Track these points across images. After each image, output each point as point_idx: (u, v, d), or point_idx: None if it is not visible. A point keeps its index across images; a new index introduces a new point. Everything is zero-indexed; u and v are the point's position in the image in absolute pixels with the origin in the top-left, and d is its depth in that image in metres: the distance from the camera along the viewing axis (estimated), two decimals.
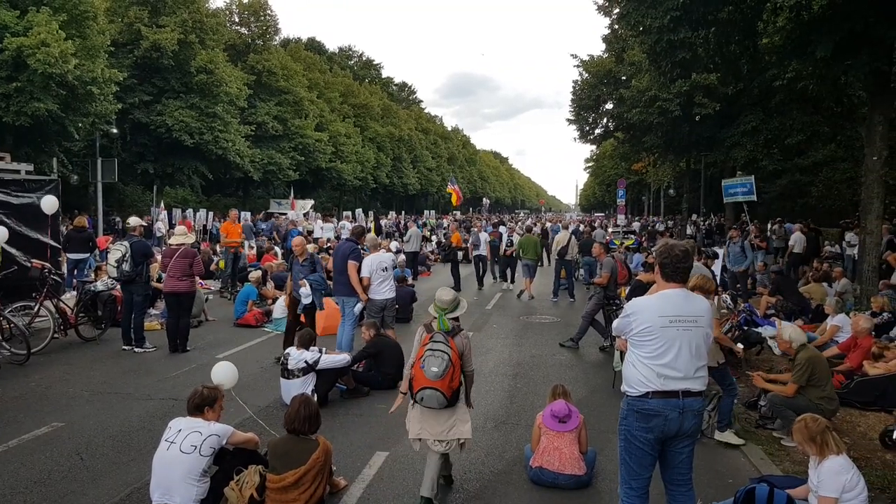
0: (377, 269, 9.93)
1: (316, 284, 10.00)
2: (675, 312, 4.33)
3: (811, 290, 14.65)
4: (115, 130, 32.48)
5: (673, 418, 4.28)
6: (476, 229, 23.80)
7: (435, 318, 5.50)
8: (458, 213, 64.77)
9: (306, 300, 10.00)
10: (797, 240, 20.49)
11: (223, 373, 6.26)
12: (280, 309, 12.93)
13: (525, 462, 6.16)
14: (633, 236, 33.04)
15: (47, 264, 11.28)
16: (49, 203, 11.54)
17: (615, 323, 4.63)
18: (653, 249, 21.87)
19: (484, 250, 19.95)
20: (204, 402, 5.16)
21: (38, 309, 10.74)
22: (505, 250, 19.97)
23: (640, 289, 11.84)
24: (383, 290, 10.03)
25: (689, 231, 32.16)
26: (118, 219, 33.37)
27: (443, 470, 5.73)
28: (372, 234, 13.66)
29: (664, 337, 4.27)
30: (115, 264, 10.68)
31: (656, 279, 4.60)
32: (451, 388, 5.28)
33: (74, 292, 12.65)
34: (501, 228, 21.95)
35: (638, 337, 4.33)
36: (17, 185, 11.79)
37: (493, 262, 21.32)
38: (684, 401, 4.29)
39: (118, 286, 11.36)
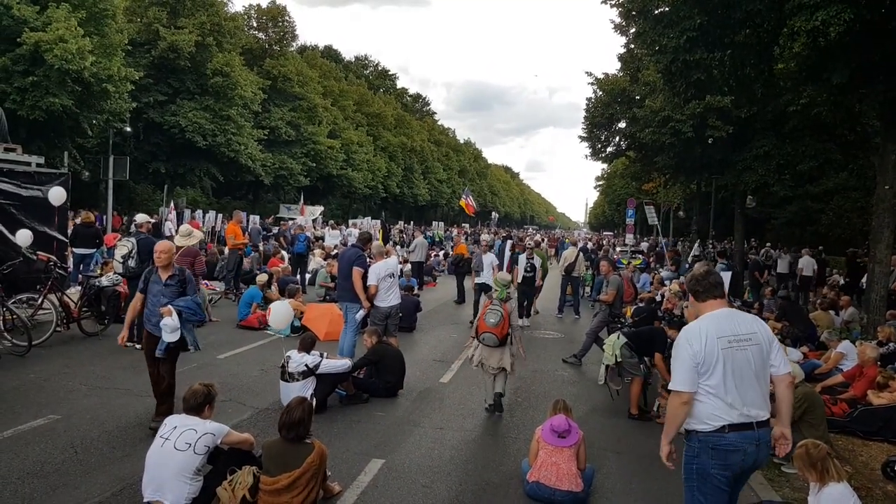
0: (384, 275, 9.85)
1: (188, 313, 6.95)
2: (731, 332, 4.11)
3: (818, 318, 14.53)
4: (128, 129, 32.63)
5: (751, 452, 4.04)
6: (480, 248, 16.44)
7: (496, 290, 8.38)
8: (467, 225, 64.76)
9: (169, 337, 6.83)
10: (805, 263, 21.20)
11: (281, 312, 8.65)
12: None
13: (522, 476, 6.10)
14: (640, 256, 32.94)
15: (53, 257, 11.29)
16: (56, 194, 11.55)
17: (675, 374, 4.18)
18: (660, 269, 21.78)
19: (489, 277, 14.62)
20: (204, 402, 5.14)
21: (42, 301, 10.74)
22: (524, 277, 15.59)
23: (648, 310, 11.85)
24: (389, 298, 9.89)
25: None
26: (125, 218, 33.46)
27: (496, 388, 8.37)
28: (378, 242, 13.63)
29: (727, 361, 4.03)
30: (122, 260, 10.70)
31: (694, 308, 4.43)
32: (502, 333, 8.07)
33: (79, 287, 12.66)
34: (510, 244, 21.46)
35: (704, 369, 4.05)
36: (27, 177, 11.82)
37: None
38: (759, 432, 4.05)
39: (122, 282, 11.36)
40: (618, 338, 8.68)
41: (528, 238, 34.92)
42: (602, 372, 8.69)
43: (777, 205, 34.67)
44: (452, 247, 23.33)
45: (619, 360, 8.52)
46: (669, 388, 4.24)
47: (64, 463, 6.01)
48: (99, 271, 14.27)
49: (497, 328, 8.01)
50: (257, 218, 35.18)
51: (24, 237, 10.73)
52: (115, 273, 11.60)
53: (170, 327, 6.82)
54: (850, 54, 12.38)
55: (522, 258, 15.56)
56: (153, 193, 42.07)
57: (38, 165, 12.62)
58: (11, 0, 25.01)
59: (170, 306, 6.83)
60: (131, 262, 10.59)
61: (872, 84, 12.85)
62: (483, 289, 14.57)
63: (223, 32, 40.81)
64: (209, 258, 18.30)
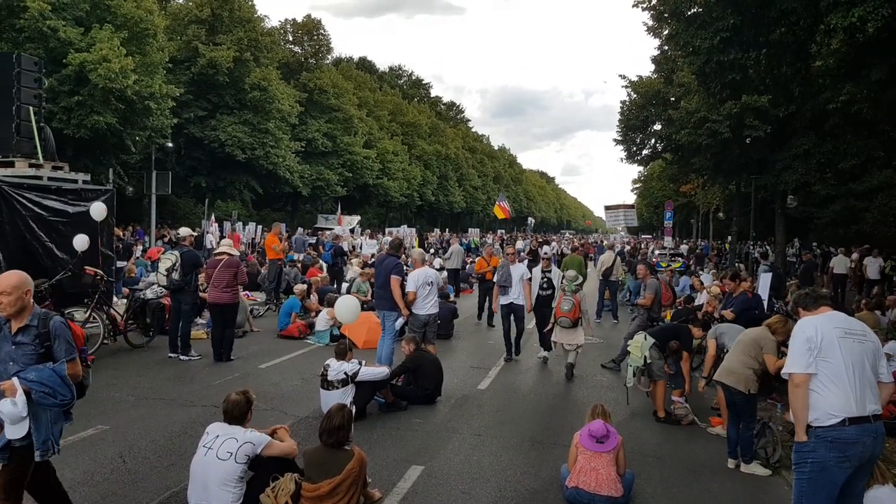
0: (422, 283, 9.91)
1: (41, 394, 4.28)
2: (845, 326, 4.29)
3: (863, 318, 14.15)
4: (170, 144, 33.38)
5: (868, 444, 4.16)
6: (507, 256, 12.49)
7: (566, 285, 10.76)
8: (503, 231, 64.64)
9: (12, 432, 4.29)
10: (838, 261, 22.34)
11: (346, 307, 8.13)
12: (322, 321, 13.08)
13: (561, 482, 6.10)
14: (680, 259, 32.52)
15: (100, 272, 11.59)
16: (98, 210, 11.85)
17: (789, 359, 4.39)
18: (700, 272, 21.47)
19: (520, 296, 11.81)
20: (246, 410, 5.25)
21: (90, 315, 11.04)
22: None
23: (686, 313, 11.73)
24: (427, 306, 9.96)
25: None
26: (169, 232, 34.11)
27: (569, 359, 10.82)
28: (419, 249, 13.68)
29: (844, 349, 4.17)
30: (166, 273, 10.97)
31: (801, 317, 4.55)
32: (574, 317, 10.56)
33: (125, 299, 13.00)
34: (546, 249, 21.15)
35: (822, 355, 4.20)
36: (74, 193, 12.15)
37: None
38: (875, 424, 4.16)
39: (167, 294, 11.64)
40: (644, 339, 8.64)
41: (536, 244, 32.77)
42: (630, 375, 8.65)
43: (819, 204, 33.94)
44: (480, 256, 18.89)
45: (648, 361, 8.47)
46: (785, 370, 4.39)
47: (113, 472, 6.19)
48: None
49: (570, 313, 10.53)
50: (300, 229, 35.77)
51: (81, 241, 11.04)
52: (159, 286, 11.89)
53: (8, 415, 4.22)
54: (889, 49, 12.16)
55: (537, 272, 12.38)
56: (195, 207, 42.89)
57: (85, 182, 12.99)
58: (58, 23, 25.82)
59: (14, 380, 4.26)
60: (175, 275, 10.86)
61: None
62: (512, 311, 11.86)
63: (260, 47, 41.59)
64: (250, 269, 18.62)
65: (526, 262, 14.35)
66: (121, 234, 16.62)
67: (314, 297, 15.30)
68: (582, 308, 10.68)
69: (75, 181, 12.68)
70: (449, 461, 6.86)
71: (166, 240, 26.03)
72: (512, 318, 11.94)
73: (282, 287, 17.58)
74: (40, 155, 12.31)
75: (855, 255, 23.31)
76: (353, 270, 21.32)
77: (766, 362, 6.81)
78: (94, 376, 9.37)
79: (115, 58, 25.80)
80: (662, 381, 8.60)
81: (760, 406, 8.73)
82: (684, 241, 58.30)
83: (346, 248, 24.31)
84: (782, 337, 7.20)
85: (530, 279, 12.06)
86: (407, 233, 38.72)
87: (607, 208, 34.85)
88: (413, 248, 23.83)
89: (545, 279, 12.27)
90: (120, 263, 15.52)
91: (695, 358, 11.21)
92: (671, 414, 8.62)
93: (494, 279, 12.68)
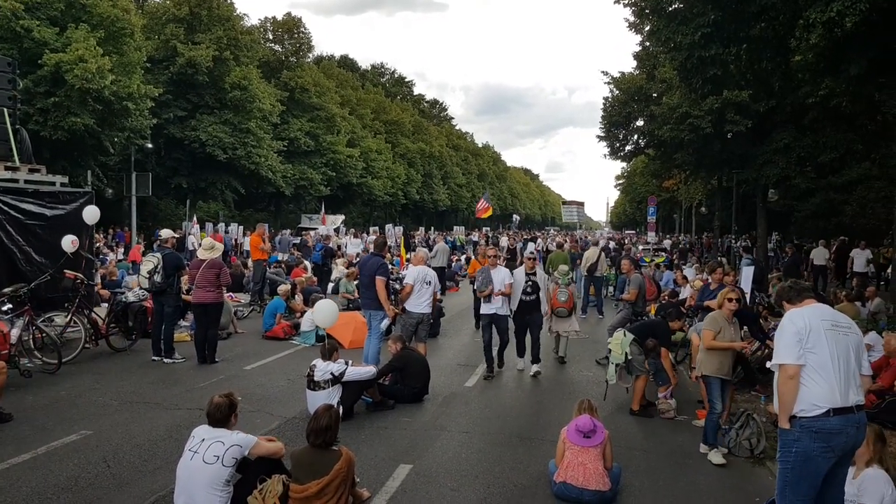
0: (421, 280, 9.94)
1: None
2: (832, 318, 4.35)
3: (844, 309, 14.26)
4: (149, 145, 33.02)
5: (852, 434, 4.21)
6: (489, 260, 11.37)
7: (560, 279, 11.64)
8: (488, 228, 64.67)
9: None
10: (818, 253, 22.91)
11: (324, 312, 8.18)
12: (308, 322, 13.01)
13: (549, 477, 6.11)
14: (663, 254, 32.73)
15: (80, 275, 11.44)
16: (91, 213, 11.75)
17: (779, 350, 4.41)
18: (683, 266, 21.56)
19: (503, 305, 10.62)
20: (229, 413, 5.18)
21: (71, 319, 10.91)
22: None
23: (672, 307, 11.78)
24: (422, 304, 9.97)
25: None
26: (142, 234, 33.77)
27: (560, 352, 11.81)
28: (424, 249, 13.82)
29: (830, 341, 4.21)
30: (148, 275, 10.85)
31: (786, 310, 4.60)
32: (569, 305, 11.36)
33: (105, 303, 12.86)
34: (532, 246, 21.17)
35: (809, 346, 4.24)
36: (52, 196, 12.00)
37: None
38: (858, 415, 4.22)
39: (149, 297, 11.51)
40: (624, 335, 8.68)
41: (517, 241, 31.83)
42: (612, 371, 8.67)
43: (800, 197, 34.29)
44: (474, 258, 20.05)
45: (629, 357, 8.52)
46: (774, 361, 4.41)
47: (97, 477, 6.11)
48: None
49: (566, 303, 11.28)
50: (287, 231, 35.59)
51: (68, 242, 10.94)
52: (140, 288, 11.77)
53: None
54: (867, 44, 12.27)
55: (520, 273, 10.91)
56: (176, 208, 42.51)
57: (63, 185, 12.81)
58: (32, 23, 25.44)
59: None
60: (157, 277, 10.74)
61: (891, 73, 12.72)
62: (494, 322, 10.61)
63: (240, 46, 41.19)
64: (233, 271, 18.49)
65: (504, 263, 12.72)
66: (100, 241, 16.38)
67: (299, 298, 15.22)
68: (575, 299, 11.78)
69: (53, 184, 12.51)
70: (437, 459, 6.85)
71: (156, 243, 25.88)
72: (494, 329, 10.68)
73: (266, 288, 17.46)
74: (16, 157, 12.14)
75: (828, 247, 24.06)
76: (338, 270, 21.26)
77: (704, 338, 7.13)
78: (75, 381, 9.33)
79: (91, 58, 25.40)
80: (644, 376, 8.63)
81: (744, 398, 8.83)
82: (667, 235, 58.65)
83: (333, 248, 24.23)
84: (731, 306, 7.28)
85: (511, 283, 10.60)
86: (392, 232, 38.67)
87: (564, 203, 35.58)
88: (399, 246, 23.86)
89: (529, 283, 10.70)
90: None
91: (680, 351, 11.31)
92: (654, 406, 8.68)
93: (475, 286, 11.84)
